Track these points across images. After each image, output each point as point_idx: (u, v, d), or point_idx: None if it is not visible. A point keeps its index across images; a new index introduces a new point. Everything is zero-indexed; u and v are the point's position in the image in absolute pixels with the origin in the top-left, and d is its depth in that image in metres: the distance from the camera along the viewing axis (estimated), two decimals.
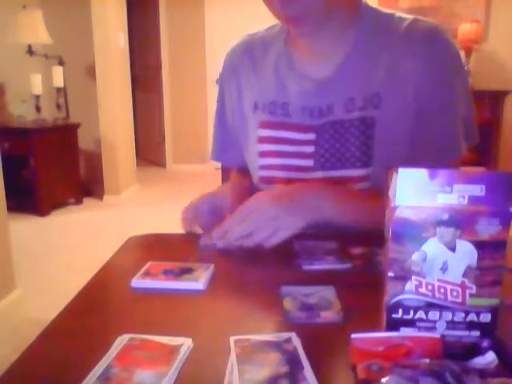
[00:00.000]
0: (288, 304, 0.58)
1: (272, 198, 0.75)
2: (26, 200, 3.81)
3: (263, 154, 0.96)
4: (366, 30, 0.88)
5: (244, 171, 1.06)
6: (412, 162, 0.80)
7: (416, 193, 0.45)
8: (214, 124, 1.10)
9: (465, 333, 0.47)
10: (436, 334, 0.46)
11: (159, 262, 0.72)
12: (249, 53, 1.00)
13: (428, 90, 0.83)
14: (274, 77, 0.94)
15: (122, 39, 4.53)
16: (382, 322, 0.48)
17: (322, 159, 0.89)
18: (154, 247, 0.85)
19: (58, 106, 4.39)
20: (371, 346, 0.46)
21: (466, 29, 3.51)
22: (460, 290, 0.46)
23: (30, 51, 4.12)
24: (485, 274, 0.45)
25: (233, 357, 0.46)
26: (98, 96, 4.31)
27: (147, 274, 0.68)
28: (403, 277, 0.46)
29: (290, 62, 0.93)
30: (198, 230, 0.91)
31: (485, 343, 0.47)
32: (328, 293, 0.61)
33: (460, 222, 0.44)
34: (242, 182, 1.07)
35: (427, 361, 0.43)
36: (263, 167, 0.96)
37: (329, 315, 0.56)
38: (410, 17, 0.89)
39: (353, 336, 0.46)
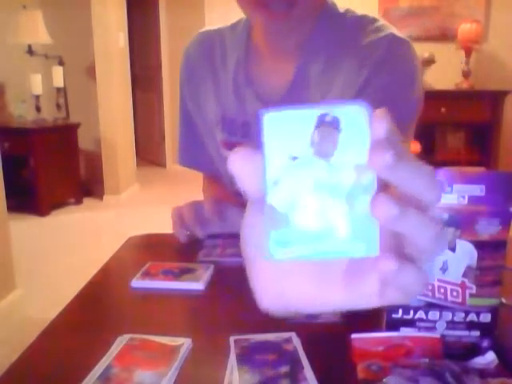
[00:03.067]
0: None
1: None
2: (26, 200, 3.81)
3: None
4: (325, 34, 0.79)
5: (215, 180, 1.01)
6: None
7: None
8: (179, 125, 1.00)
9: (465, 333, 0.47)
10: (436, 334, 0.46)
11: (159, 262, 0.72)
12: (206, 53, 0.90)
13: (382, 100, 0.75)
14: (233, 92, 0.85)
15: (121, 39, 4.53)
16: (382, 322, 0.48)
17: None
18: (154, 247, 0.85)
19: (58, 106, 4.38)
20: (371, 346, 0.46)
21: (465, 29, 3.50)
22: (460, 290, 0.46)
23: (30, 51, 4.12)
24: (485, 274, 0.45)
25: (233, 357, 0.46)
26: (98, 96, 4.31)
27: (147, 274, 0.68)
28: None
29: (247, 76, 0.83)
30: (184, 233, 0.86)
31: (485, 343, 0.47)
32: None
33: (460, 222, 0.44)
34: (215, 193, 1.00)
35: (427, 361, 0.43)
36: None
37: (329, 315, 0.56)
38: (384, 29, 0.77)
39: (353, 336, 0.46)
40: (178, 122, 1.00)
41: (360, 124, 0.23)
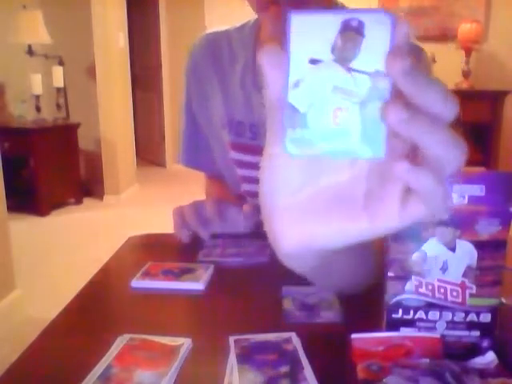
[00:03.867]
0: (288, 304, 0.59)
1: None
2: (26, 200, 3.80)
3: (243, 180, 0.89)
4: None
5: (216, 180, 1.00)
6: None
7: None
8: (182, 125, 0.98)
9: (465, 333, 0.47)
10: (436, 334, 0.46)
11: (159, 262, 0.72)
12: (213, 55, 0.89)
13: None
14: (241, 94, 0.85)
15: (121, 39, 4.53)
16: (382, 322, 0.48)
17: None
18: (154, 247, 0.85)
19: (58, 106, 4.38)
20: (371, 346, 0.46)
21: (465, 29, 3.50)
22: (460, 290, 0.46)
23: (30, 51, 4.12)
24: (485, 274, 0.45)
25: (233, 357, 0.46)
26: (98, 96, 4.31)
27: (147, 274, 0.68)
28: (403, 277, 0.46)
29: (256, 78, 0.83)
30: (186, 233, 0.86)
31: (485, 343, 0.47)
32: (328, 293, 0.61)
33: (460, 221, 0.44)
34: (217, 193, 0.99)
35: (427, 361, 0.43)
36: (245, 188, 0.90)
37: (329, 315, 0.56)
38: None
39: (353, 336, 0.46)
40: (181, 122, 0.99)
41: (383, 31, 0.24)
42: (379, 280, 0.48)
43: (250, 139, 0.85)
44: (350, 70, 0.24)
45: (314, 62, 0.25)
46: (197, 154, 0.99)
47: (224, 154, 0.91)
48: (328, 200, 0.28)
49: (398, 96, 0.24)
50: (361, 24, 0.24)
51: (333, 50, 0.24)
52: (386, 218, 0.26)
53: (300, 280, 0.41)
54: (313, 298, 0.60)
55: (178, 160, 1.02)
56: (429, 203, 0.25)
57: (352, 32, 0.24)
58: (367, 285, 0.52)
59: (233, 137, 0.87)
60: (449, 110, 0.24)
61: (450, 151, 0.24)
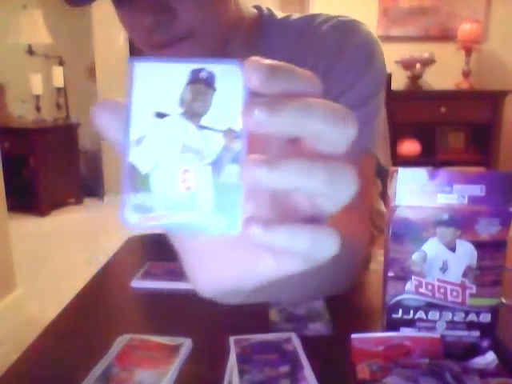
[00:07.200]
0: (274, 315, 0.57)
1: None
2: (25, 200, 3.80)
3: None
4: (274, 46, 0.72)
5: None
6: None
7: (416, 193, 0.45)
8: None
9: (465, 333, 0.47)
10: (436, 334, 0.46)
11: (159, 262, 0.72)
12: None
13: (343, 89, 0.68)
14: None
15: (122, 39, 4.53)
16: (382, 322, 0.48)
17: None
18: (154, 247, 0.85)
19: (58, 106, 4.38)
20: (371, 346, 0.46)
21: (466, 29, 3.50)
22: (460, 290, 0.46)
23: (30, 51, 4.12)
24: (485, 274, 0.45)
25: (233, 357, 0.46)
26: (98, 96, 4.30)
27: (147, 274, 0.68)
28: (403, 277, 0.46)
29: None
30: None
31: (485, 343, 0.47)
32: (317, 303, 0.59)
33: (460, 221, 0.44)
34: None
35: (427, 361, 0.43)
36: None
37: (317, 327, 0.54)
38: (330, 19, 0.72)
39: (353, 336, 0.46)
40: None
41: (235, 84, 0.21)
42: (359, 275, 0.45)
43: None
44: (200, 126, 0.22)
45: (159, 115, 0.22)
46: None
47: None
48: (232, 241, 0.25)
49: (253, 151, 0.21)
50: (211, 75, 0.21)
51: (181, 103, 0.22)
52: (267, 270, 0.24)
53: None
54: (300, 309, 0.58)
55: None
56: (305, 257, 0.22)
57: (201, 84, 0.21)
58: (344, 285, 0.50)
59: None
60: (340, 132, 0.21)
61: (331, 184, 0.21)
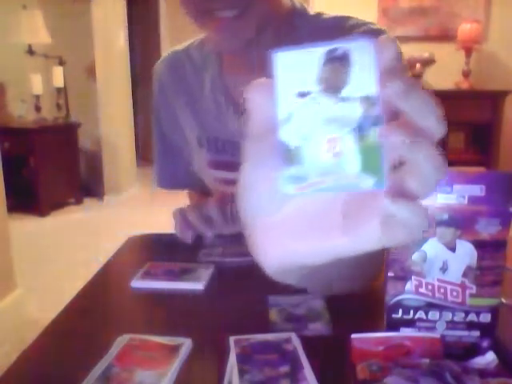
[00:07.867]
0: (274, 315, 0.57)
1: None
2: (25, 200, 3.80)
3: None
4: (298, 37, 0.75)
5: (201, 192, 0.96)
6: None
7: None
8: (155, 149, 0.95)
9: (465, 333, 0.47)
10: (436, 334, 0.46)
11: (159, 262, 0.72)
12: (178, 76, 0.86)
13: None
14: (213, 111, 0.82)
15: (122, 38, 4.53)
16: (382, 322, 0.48)
17: None
18: (154, 247, 0.85)
19: (58, 106, 4.38)
20: (371, 346, 0.46)
21: (466, 29, 3.50)
22: (460, 290, 0.46)
23: (30, 51, 4.12)
24: (485, 274, 0.45)
25: (233, 357, 0.46)
26: (98, 96, 4.31)
27: (147, 274, 0.68)
28: (403, 277, 0.46)
29: (226, 93, 0.81)
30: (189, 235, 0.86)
31: (485, 343, 0.47)
32: (316, 303, 0.59)
33: (460, 221, 0.44)
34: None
35: (427, 361, 0.43)
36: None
37: (317, 327, 0.54)
38: (360, 25, 0.75)
39: (353, 336, 0.46)
40: (154, 146, 0.96)
41: (367, 57, 0.24)
42: (377, 278, 0.47)
43: (231, 155, 0.82)
44: (339, 98, 0.24)
45: (302, 95, 0.24)
46: (173, 175, 0.96)
47: (205, 171, 0.88)
48: (306, 219, 0.27)
49: (392, 119, 0.24)
50: (345, 53, 0.24)
51: (320, 81, 0.24)
52: (365, 240, 0.26)
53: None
54: (300, 309, 0.58)
55: (154, 185, 0.99)
56: (410, 230, 0.24)
57: (336, 61, 0.24)
58: (363, 285, 0.51)
59: (211, 155, 0.85)
60: (440, 127, 0.24)
61: (435, 169, 0.24)
